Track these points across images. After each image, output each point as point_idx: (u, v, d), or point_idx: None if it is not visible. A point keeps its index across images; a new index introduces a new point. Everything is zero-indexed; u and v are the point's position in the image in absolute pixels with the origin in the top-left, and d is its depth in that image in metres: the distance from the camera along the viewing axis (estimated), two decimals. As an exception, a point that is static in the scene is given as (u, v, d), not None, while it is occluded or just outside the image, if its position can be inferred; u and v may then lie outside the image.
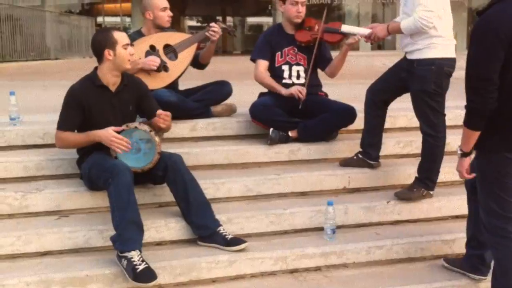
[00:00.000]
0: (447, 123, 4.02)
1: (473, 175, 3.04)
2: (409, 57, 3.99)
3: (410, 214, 4.13)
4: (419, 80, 3.89)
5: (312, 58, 4.54)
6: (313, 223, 3.96)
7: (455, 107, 4.66)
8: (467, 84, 2.83)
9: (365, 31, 4.22)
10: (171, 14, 4.69)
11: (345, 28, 4.33)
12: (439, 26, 3.81)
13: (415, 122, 4.09)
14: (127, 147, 3.52)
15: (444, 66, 3.86)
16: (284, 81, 4.65)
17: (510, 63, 2.75)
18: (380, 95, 4.23)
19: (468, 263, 3.55)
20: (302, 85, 4.56)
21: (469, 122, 2.88)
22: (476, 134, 2.89)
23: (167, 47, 4.61)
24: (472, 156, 3.04)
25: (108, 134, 3.52)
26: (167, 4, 4.67)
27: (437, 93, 3.88)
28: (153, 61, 4.44)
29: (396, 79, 4.13)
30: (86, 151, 3.72)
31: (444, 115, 3.98)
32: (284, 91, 4.56)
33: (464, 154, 2.99)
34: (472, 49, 2.82)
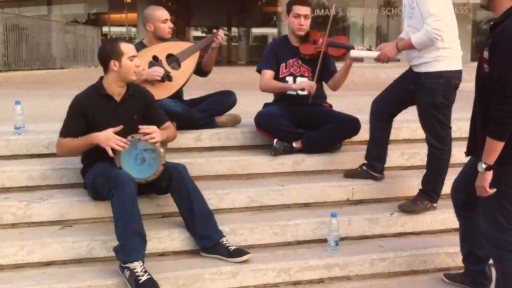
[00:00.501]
0: (454, 135, 4.02)
1: (494, 190, 2.92)
2: (416, 70, 3.98)
3: (413, 226, 4.12)
4: (427, 93, 3.88)
5: (316, 72, 4.53)
6: (317, 234, 3.95)
7: (458, 119, 4.65)
8: (499, 94, 2.77)
9: (374, 54, 4.13)
10: (171, 25, 4.71)
11: (354, 53, 4.25)
12: (446, 37, 3.80)
13: (419, 134, 4.09)
14: (125, 145, 3.50)
15: (452, 79, 3.86)
16: (288, 92, 4.66)
17: None
18: (386, 108, 4.23)
19: (469, 278, 3.53)
20: (307, 96, 4.56)
21: (497, 133, 2.81)
22: (501, 145, 2.82)
23: (169, 56, 4.63)
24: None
25: (106, 134, 3.51)
26: (167, 16, 4.69)
27: (444, 106, 3.88)
28: (157, 72, 4.46)
29: (402, 92, 4.12)
30: (91, 161, 3.73)
31: (450, 128, 3.98)
32: (295, 85, 4.58)
33: (489, 168, 2.89)
34: (500, 58, 2.77)
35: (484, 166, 2.88)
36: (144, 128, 3.58)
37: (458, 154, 4.03)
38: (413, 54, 3.97)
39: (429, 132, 3.98)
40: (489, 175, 2.89)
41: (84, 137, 3.61)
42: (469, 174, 3.22)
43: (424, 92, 3.90)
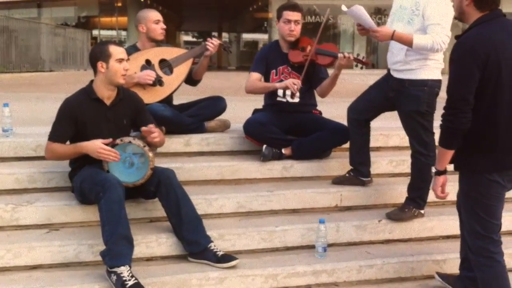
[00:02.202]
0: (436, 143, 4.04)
1: (447, 193, 3.11)
2: (398, 76, 3.98)
3: (401, 233, 4.13)
4: (412, 100, 3.90)
5: (301, 79, 4.52)
6: (305, 241, 3.95)
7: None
8: (446, 104, 2.89)
9: (371, 23, 3.94)
10: (164, 26, 4.70)
11: (351, 11, 3.97)
12: None
13: (408, 142, 4.10)
14: (116, 157, 3.51)
15: (435, 87, 3.91)
16: (278, 98, 4.66)
17: (487, 85, 2.81)
18: (363, 115, 4.24)
19: (461, 284, 3.53)
20: (296, 103, 4.57)
21: (445, 141, 2.95)
22: (450, 153, 2.96)
23: (162, 61, 4.63)
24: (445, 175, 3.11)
25: (95, 146, 3.51)
26: (160, 17, 4.69)
27: (429, 113, 3.91)
28: (149, 76, 4.45)
29: (381, 99, 4.14)
30: (79, 164, 3.71)
31: (434, 133, 4.01)
32: (278, 84, 4.55)
33: (438, 173, 3.06)
34: (451, 70, 2.89)
35: (433, 170, 3.06)
36: (150, 128, 3.61)
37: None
38: (398, 58, 3.96)
39: (414, 139, 4.00)
40: (441, 180, 3.06)
41: (73, 145, 3.61)
42: None
43: (409, 99, 3.91)
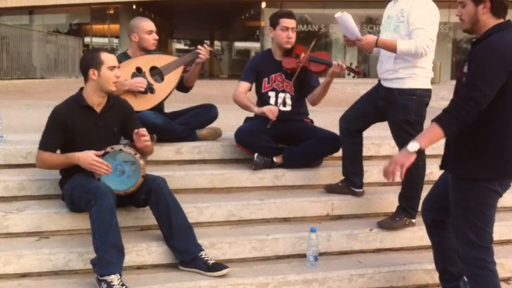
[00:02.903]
0: (429, 152, 4.05)
1: (401, 177, 2.98)
2: (387, 85, 4.01)
3: (392, 242, 4.13)
4: (400, 109, 3.92)
5: (291, 84, 4.54)
6: (296, 249, 3.94)
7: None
8: (466, 94, 2.80)
9: (356, 32, 4.04)
10: (156, 37, 4.71)
11: (340, 19, 4.08)
12: (425, 57, 3.86)
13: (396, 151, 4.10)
14: (107, 170, 3.50)
15: (424, 97, 3.94)
16: (269, 106, 4.66)
17: (505, 90, 2.79)
18: (355, 124, 4.26)
19: None
20: (288, 112, 4.58)
21: (448, 126, 2.82)
22: (441, 136, 2.85)
23: (153, 69, 4.62)
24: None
25: (87, 157, 3.50)
26: (153, 27, 4.69)
27: (417, 123, 3.93)
28: (141, 83, 4.45)
29: (371, 108, 4.16)
30: (69, 172, 3.69)
31: None
32: (256, 109, 4.59)
33: (419, 151, 2.88)
34: (478, 66, 2.80)
35: (416, 148, 2.87)
36: (140, 131, 3.61)
37: (437, 172, 4.05)
38: (387, 67, 3.99)
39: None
40: (413, 157, 2.90)
41: (65, 155, 3.60)
42: (439, 192, 3.26)
43: (397, 108, 3.94)
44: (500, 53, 2.78)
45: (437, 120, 2.86)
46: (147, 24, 4.66)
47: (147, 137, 3.63)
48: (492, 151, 2.90)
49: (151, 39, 4.66)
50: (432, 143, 2.91)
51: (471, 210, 2.96)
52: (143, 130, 3.64)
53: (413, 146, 2.87)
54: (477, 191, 2.94)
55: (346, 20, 4.03)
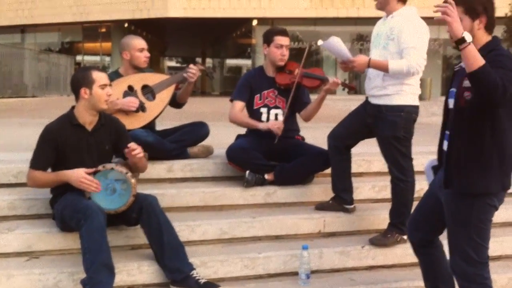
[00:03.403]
0: (418, 168, 4.07)
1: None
2: (375, 101, 4.04)
3: (384, 259, 4.13)
4: (389, 126, 3.94)
5: (289, 101, 4.57)
6: (288, 267, 3.93)
7: (428, 152, 4.70)
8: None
9: (347, 54, 4.04)
10: (148, 55, 4.72)
11: (326, 44, 4.09)
12: None
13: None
14: (97, 188, 3.49)
15: (412, 113, 3.97)
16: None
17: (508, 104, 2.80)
18: (343, 141, 4.27)
19: None
20: (277, 137, 4.59)
21: (487, 70, 2.64)
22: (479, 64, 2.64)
23: (145, 87, 4.63)
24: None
25: (78, 175, 3.49)
26: (144, 45, 4.70)
27: (406, 139, 3.96)
28: (133, 103, 4.44)
29: (360, 125, 4.18)
30: (60, 191, 3.68)
31: (412, 159, 4.04)
32: (261, 125, 4.60)
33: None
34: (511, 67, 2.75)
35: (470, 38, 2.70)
36: (131, 145, 3.60)
37: (427, 188, 4.07)
38: (375, 83, 4.02)
39: (392, 164, 4.04)
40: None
41: (55, 173, 3.59)
42: (425, 211, 3.25)
43: (385, 125, 3.96)
44: None
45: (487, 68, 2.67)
46: (138, 42, 4.67)
47: (138, 150, 3.62)
48: (495, 165, 2.89)
49: (143, 57, 4.67)
50: (473, 57, 2.66)
51: (471, 226, 2.95)
52: (133, 144, 3.63)
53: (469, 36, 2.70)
54: (478, 207, 2.93)
55: (334, 44, 4.06)
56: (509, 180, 2.96)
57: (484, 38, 2.93)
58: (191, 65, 4.70)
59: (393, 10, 3.99)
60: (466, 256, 2.98)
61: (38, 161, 3.62)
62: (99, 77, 3.67)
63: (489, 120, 2.84)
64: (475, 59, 2.66)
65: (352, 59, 3.97)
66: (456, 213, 3.00)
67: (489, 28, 2.93)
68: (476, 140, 2.88)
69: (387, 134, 3.97)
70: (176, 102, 4.91)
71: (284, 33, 4.66)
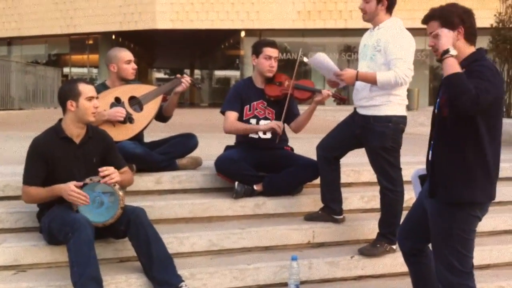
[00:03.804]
0: (408, 178, 4.07)
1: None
2: (363, 112, 4.06)
3: (373, 269, 4.13)
4: (377, 136, 3.96)
5: (284, 113, 4.57)
6: (277, 278, 3.92)
7: (416, 162, 4.72)
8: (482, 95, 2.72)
9: (334, 68, 4.14)
10: (135, 66, 4.72)
11: (311, 61, 4.23)
12: None
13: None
14: (85, 201, 3.47)
15: (400, 123, 4.00)
16: (250, 135, 4.67)
17: (490, 115, 2.85)
18: (332, 152, 4.28)
19: None
20: (269, 139, 4.59)
21: (455, 80, 2.73)
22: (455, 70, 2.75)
23: (132, 99, 4.62)
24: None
25: (67, 188, 3.47)
26: (131, 57, 4.70)
27: (394, 149, 3.99)
28: (120, 113, 4.43)
29: (348, 136, 4.19)
30: (47, 204, 3.65)
31: (401, 169, 4.05)
32: (262, 126, 4.59)
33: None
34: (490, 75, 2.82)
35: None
36: (103, 171, 3.54)
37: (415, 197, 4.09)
38: (363, 94, 4.04)
39: (381, 175, 4.05)
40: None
41: (50, 189, 3.56)
42: (414, 220, 3.26)
43: (374, 135, 3.98)
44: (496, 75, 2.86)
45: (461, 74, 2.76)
46: (125, 54, 4.67)
47: (113, 175, 3.56)
48: (479, 175, 2.92)
49: (130, 69, 4.67)
50: (450, 65, 2.77)
51: (454, 236, 2.97)
52: (106, 169, 3.57)
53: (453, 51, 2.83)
54: (461, 217, 2.95)
55: (320, 60, 4.13)
56: (494, 190, 2.98)
57: (467, 49, 2.96)
58: (184, 76, 4.70)
59: (380, 21, 4.02)
60: (449, 266, 3.00)
61: (30, 177, 3.60)
62: (86, 89, 3.65)
63: (471, 130, 2.87)
64: (452, 67, 2.77)
65: (340, 72, 4.00)
66: (439, 222, 3.02)
67: (470, 39, 2.96)
68: (458, 150, 2.91)
69: (375, 145, 3.98)
70: (161, 116, 4.89)
71: (273, 44, 4.68)
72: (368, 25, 4.17)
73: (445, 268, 3.02)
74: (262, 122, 4.68)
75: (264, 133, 4.64)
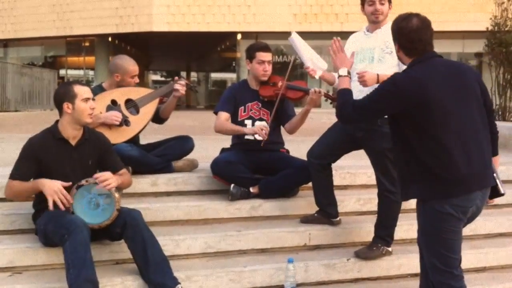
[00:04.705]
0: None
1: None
2: None
3: (370, 271, 4.13)
4: (385, 138, 3.88)
5: (273, 113, 4.58)
6: (274, 281, 3.92)
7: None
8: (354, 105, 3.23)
9: (323, 65, 4.26)
10: (137, 81, 4.74)
11: (292, 40, 4.28)
12: None
13: (375, 180, 4.12)
14: (66, 205, 3.44)
15: None
16: (246, 137, 4.67)
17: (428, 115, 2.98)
18: (326, 159, 4.28)
19: None
20: (263, 140, 4.58)
21: (341, 109, 3.29)
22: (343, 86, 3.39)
23: (128, 101, 4.61)
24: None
25: (53, 185, 3.45)
26: (137, 72, 4.71)
27: None
28: (115, 116, 4.42)
29: (346, 141, 4.15)
30: (42, 206, 3.63)
31: None
32: (247, 129, 4.59)
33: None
34: (379, 88, 3.23)
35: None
36: (99, 177, 3.53)
37: (413, 200, 4.08)
38: None
39: (384, 177, 4.02)
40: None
41: (32, 181, 3.54)
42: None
43: (381, 137, 3.93)
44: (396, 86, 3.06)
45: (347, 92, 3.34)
46: (134, 69, 4.68)
47: (109, 181, 3.55)
48: (433, 172, 2.96)
49: (133, 82, 4.69)
50: (342, 82, 3.45)
51: (428, 234, 3.05)
52: (102, 175, 3.57)
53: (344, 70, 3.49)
54: (429, 213, 3.01)
55: (294, 41, 4.23)
56: (455, 187, 2.96)
57: (406, 60, 3.17)
58: (177, 81, 4.69)
59: (383, 24, 4.03)
60: (432, 264, 3.07)
61: (18, 173, 3.58)
62: (81, 91, 3.65)
63: (399, 133, 3.11)
64: (342, 84, 3.42)
65: (362, 74, 3.90)
66: (418, 220, 3.14)
67: (407, 53, 3.15)
68: (397, 151, 3.20)
69: (382, 146, 3.91)
70: (158, 117, 4.89)
71: (265, 49, 4.66)
72: (361, 28, 4.19)
73: (429, 268, 3.10)
74: (257, 123, 4.68)
75: (254, 133, 4.63)
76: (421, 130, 2.98)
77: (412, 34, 3.07)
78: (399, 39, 3.14)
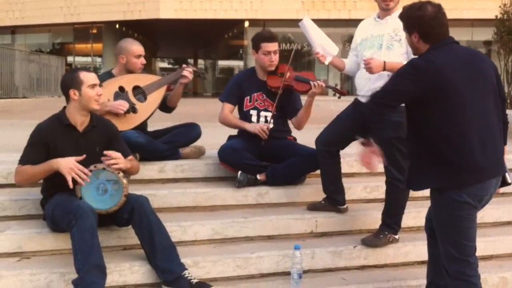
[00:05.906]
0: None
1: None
2: None
3: (376, 259, 4.13)
4: (393, 126, 3.86)
5: (275, 103, 4.56)
6: (280, 267, 3.93)
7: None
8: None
9: (334, 51, 4.27)
10: (144, 61, 4.71)
11: (302, 25, 4.28)
12: None
13: (381, 167, 4.11)
14: (86, 178, 3.44)
15: None
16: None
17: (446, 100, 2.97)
18: (335, 146, 4.27)
19: None
20: (271, 129, 4.57)
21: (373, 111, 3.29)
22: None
23: (136, 88, 4.61)
24: None
25: (68, 162, 3.45)
26: (142, 52, 4.68)
27: None
28: (122, 106, 4.41)
29: (356, 128, 4.13)
30: (50, 192, 3.66)
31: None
32: (248, 126, 4.61)
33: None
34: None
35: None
36: (110, 153, 3.55)
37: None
38: (378, 84, 3.98)
39: (392, 165, 4.00)
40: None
41: (46, 162, 3.52)
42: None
43: (389, 126, 3.91)
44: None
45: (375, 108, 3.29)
46: (137, 48, 4.65)
47: (118, 160, 3.57)
48: (449, 161, 2.96)
49: (139, 63, 4.66)
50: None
51: (444, 223, 3.05)
52: (112, 153, 3.58)
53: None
54: (446, 202, 3.01)
55: (305, 26, 4.22)
56: (468, 176, 2.96)
57: (424, 47, 3.13)
58: (185, 67, 4.68)
59: (393, 11, 4.00)
60: (447, 253, 3.07)
61: (27, 159, 3.59)
62: (88, 77, 3.65)
63: (411, 123, 3.14)
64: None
65: (368, 60, 3.89)
66: (433, 210, 3.16)
67: (426, 40, 3.11)
68: (410, 141, 3.20)
69: (390, 135, 3.90)
70: (166, 106, 4.89)
71: (271, 39, 4.59)
72: (369, 15, 4.17)
73: (444, 256, 3.10)
74: (262, 113, 4.69)
75: (267, 121, 4.63)
76: (438, 117, 2.97)
77: (433, 21, 3.06)
78: (419, 27, 3.09)
